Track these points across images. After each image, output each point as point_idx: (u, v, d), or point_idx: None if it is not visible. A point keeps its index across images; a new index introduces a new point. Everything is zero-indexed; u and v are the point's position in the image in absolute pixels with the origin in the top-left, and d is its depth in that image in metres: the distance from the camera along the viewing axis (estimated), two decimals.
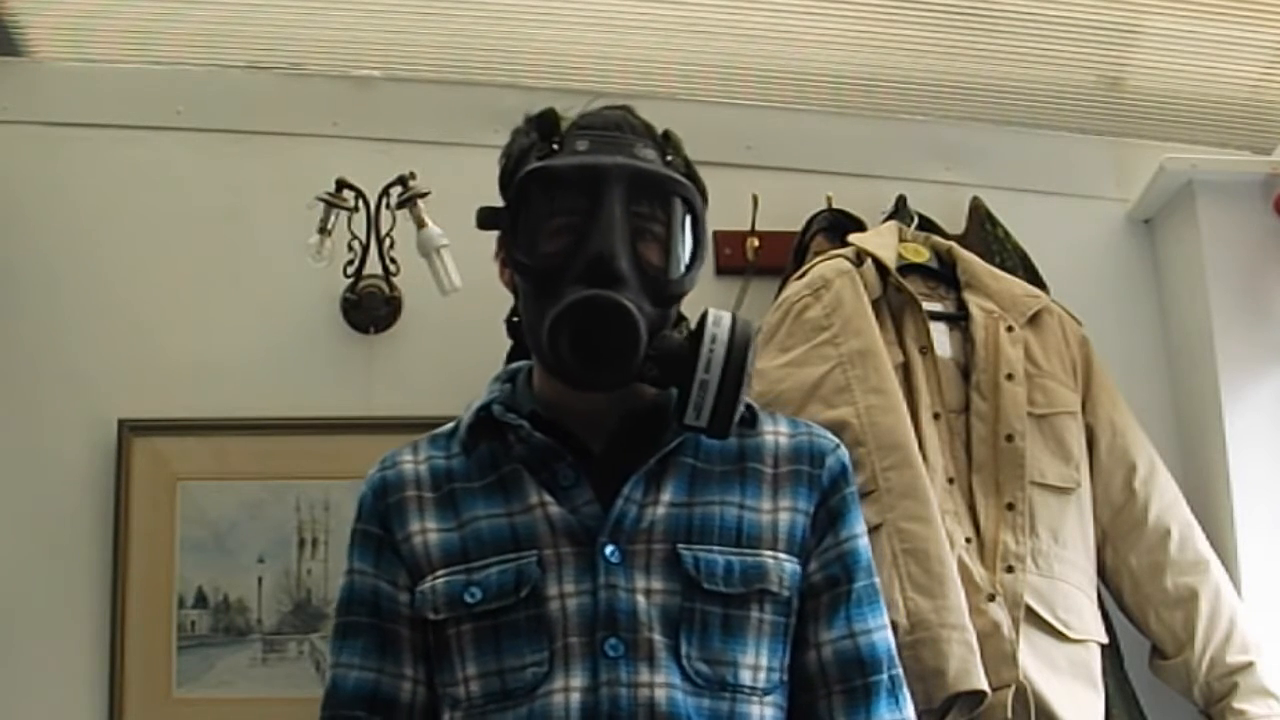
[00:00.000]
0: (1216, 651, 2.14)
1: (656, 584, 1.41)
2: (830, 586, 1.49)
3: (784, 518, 1.48)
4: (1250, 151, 2.61)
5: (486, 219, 1.51)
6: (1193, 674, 2.14)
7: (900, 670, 1.51)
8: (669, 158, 1.50)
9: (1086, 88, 2.61)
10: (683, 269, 1.47)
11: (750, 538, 1.45)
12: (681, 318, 1.53)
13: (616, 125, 1.50)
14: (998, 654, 1.96)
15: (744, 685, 1.41)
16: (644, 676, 1.38)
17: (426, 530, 1.50)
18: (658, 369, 1.44)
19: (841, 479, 1.53)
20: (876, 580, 1.53)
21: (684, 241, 1.48)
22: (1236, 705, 2.11)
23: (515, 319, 1.53)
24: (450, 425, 1.57)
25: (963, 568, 2.00)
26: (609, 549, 1.42)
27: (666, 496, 1.45)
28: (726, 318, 1.44)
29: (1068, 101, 2.62)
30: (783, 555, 1.46)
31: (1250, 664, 2.13)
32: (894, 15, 2.48)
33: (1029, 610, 2.01)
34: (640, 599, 1.40)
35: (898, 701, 1.48)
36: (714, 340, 1.42)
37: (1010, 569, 2.03)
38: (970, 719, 1.91)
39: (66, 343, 2.45)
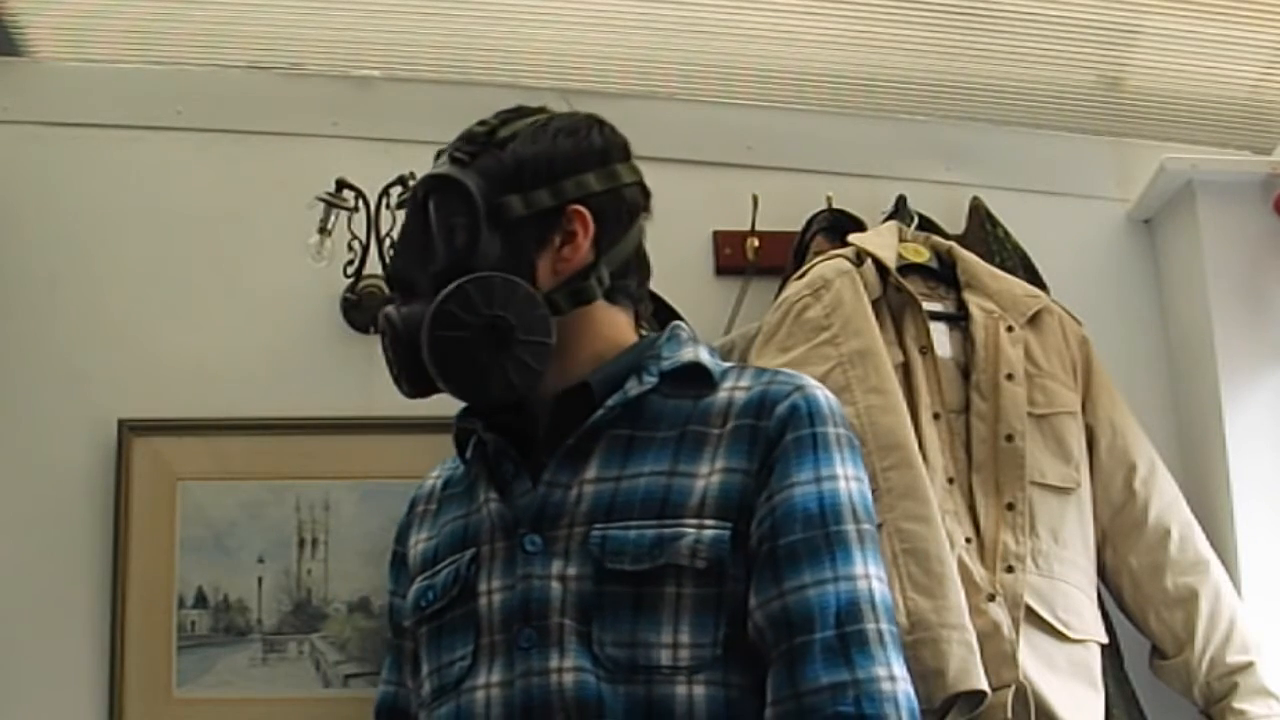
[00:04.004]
0: (1216, 651, 2.14)
1: (572, 569, 1.37)
2: (760, 545, 1.35)
3: (715, 480, 1.37)
4: (1250, 151, 2.61)
5: None
6: (1193, 674, 2.14)
7: (871, 626, 1.30)
8: (460, 153, 1.48)
9: (1086, 88, 2.61)
10: (450, 255, 1.45)
11: (675, 505, 1.36)
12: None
13: (459, 137, 1.52)
14: (998, 654, 1.96)
15: (661, 666, 1.32)
16: (554, 663, 1.35)
17: (419, 541, 1.55)
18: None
19: (791, 423, 1.37)
20: (838, 528, 1.34)
21: (450, 226, 1.47)
22: (1236, 705, 2.11)
23: None
24: None
25: (963, 568, 2.00)
26: (528, 539, 1.40)
27: (591, 473, 1.40)
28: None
29: (1068, 101, 2.62)
30: (708, 521, 1.35)
31: (1250, 664, 2.13)
32: (894, 15, 2.47)
33: (1029, 610, 2.01)
34: (555, 585, 1.37)
35: (849, 661, 1.28)
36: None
37: (1010, 569, 2.03)
38: (970, 719, 1.91)
39: (66, 343, 2.45)
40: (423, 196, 1.49)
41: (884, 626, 1.32)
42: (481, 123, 1.52)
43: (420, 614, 1.48)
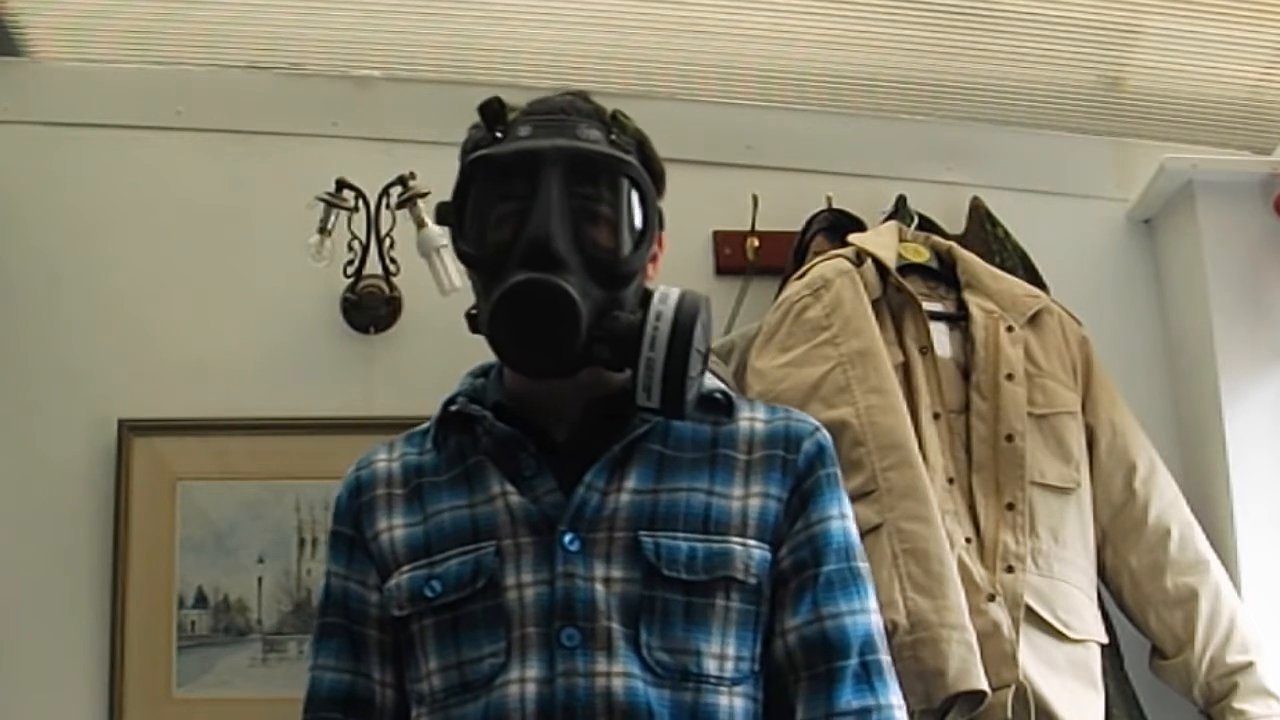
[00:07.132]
0: (1216, 651, 2.14)
1: (617, 572, 1.39)
2: (798, 571, 1.45)
3: (754, 504, 1.45)
4: (1250, 151, 2.61)
5: (442, 214, 1.50)
6: (1193, 674, 2.14)
7: (884, 657, 1.44)
8: (614, 137, 1.47)
9: (1086, 88, 2.61)
10: (629, 248, 1.45)
11: (718, 524, 1.42)
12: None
13: (561, 109, 1.49)
14: (998, 654, 1.96)
15: (709, 675, 1.38)
16: (601, 666, 1.36)
17: (394, 527, 1.49)
18: (608, 351, 1.41)
19: (818, 461, 1.48)
20: (858, 564, 1.47)
21: (631, 220, 1.46)
22: (1236, 705, 2.11)
23: (474, 312, 1.50)
24: (427, 423, 1.57)
25: (963, 568, 2.00)
26: (568, 537, 1.40)
27: (630, 484, 1.43)
28: (674, 294, 1.42)
29: (1068, 101, 2.63)
30: (751, 542, 1.43)
31: (1250, 664, 2.13)
32: (894, 15, 2.48)
33: (1029, 610, 2.01)
34: (599, 587, 1.38)
35: (872, 688, 1.42)
36: (659, 317, 1.40)
37: (1010, 569, 2.03)
38: (970, 719, 1.91)
39: (66, 343, 2.45)
40: (596, 173, 1.44)
41: (888, 658, 1.46)
42: (614, 114, 1.49)
43: (423, 605, 1.43)
